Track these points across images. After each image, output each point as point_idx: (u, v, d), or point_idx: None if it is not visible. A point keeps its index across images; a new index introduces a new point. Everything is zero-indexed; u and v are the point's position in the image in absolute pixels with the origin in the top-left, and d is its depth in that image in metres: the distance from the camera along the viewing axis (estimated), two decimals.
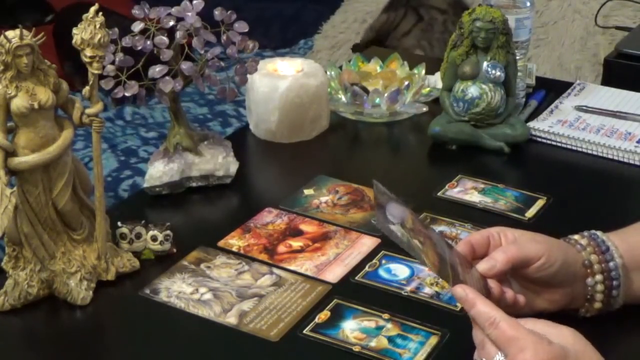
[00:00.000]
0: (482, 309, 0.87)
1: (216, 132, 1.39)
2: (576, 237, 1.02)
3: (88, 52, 1.02)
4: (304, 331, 1.01)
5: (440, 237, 0.98)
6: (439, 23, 2.72)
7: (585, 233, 1.02)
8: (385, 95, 1.52)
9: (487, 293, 0.93)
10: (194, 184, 1.30)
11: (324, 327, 1.02)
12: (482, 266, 0.94)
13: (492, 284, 0.94)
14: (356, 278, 1.11)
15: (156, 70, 1.20)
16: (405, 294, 1.08)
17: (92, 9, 1.02)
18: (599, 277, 0.99)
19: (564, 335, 0.85)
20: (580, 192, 1.34)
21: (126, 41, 1.17)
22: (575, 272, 0.98)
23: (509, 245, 0.96)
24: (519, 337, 0.84)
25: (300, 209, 1.26)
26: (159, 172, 1.27)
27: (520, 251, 0.95)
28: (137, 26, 1.18)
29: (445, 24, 2.70)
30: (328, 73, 1.55)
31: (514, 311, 0.96)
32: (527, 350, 0.83)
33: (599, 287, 0.99)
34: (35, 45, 0.99)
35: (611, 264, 0.99)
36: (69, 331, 1.04)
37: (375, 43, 2.68)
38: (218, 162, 1.30)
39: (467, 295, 0.88)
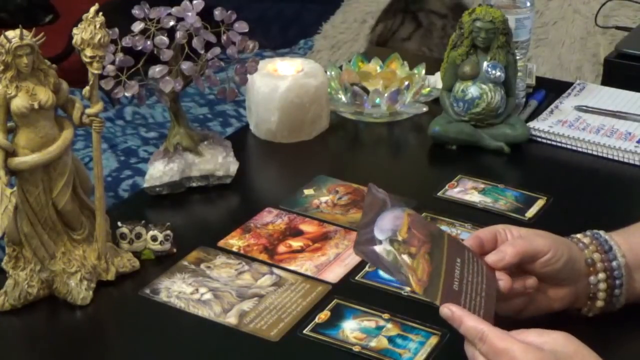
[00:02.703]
0: (470, 324, 0.88)
1: (216, 132, 1.39)
2: (579, 236, 1.02)
3: (88, 52, 1.02)
4: (304, 331, 1.01)
5: (443, 234, 0.98)
6: (438, 28, 2.71)
7: (588, 232, 1.02)
8: (385, 95, 1.52)
9: (494, 287, 0.93)
10: (194, 184, 1.30)
11: (324, 327, 1.02)
12: (492, 258, 0.95)
13: (502, 275, 0.95)
14: (356, 278, 1.11)
15: (156, 70, 1.20)
16: (405, 294, 1.08)
17: (92, 9, 1.02)
18: (601, 275, 0.99)
19: (555, 340, 0.85)
20: (580, 192, 1.34)
21: (126, 41, 1.17)
22: (579, 269, 0.99)
23: (518, 239, 0.97)
24: (508, 347, 0.84)
25: (300, 209, 1.26)
26: (159, 172, 1.27)
27: (528, 244, 0.96)
28: (137, 26, 1.19)
29: (444, 28, 2.69)
30: (328, 73, 1.55)
31: (527, 300, 0.97)
32: None
33: (602, 285, 0.99)
34: (35, 45, 0.99)
35: (614, 263, 0.99)
36: (69, 331, 1.04)
37: None
38: (218, 162, 1.30)
39: (453, 314, 0.89)
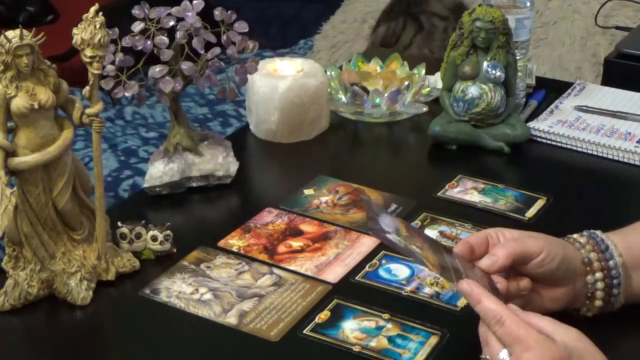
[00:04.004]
0: (488, 305, 0.87)
1: (216, 132, 1.39)
2: (575, 236, 1.02)
3: (88, 52, 1.02)
4: (304, 331, 1.01)
5: (436, 242, 0.98)
6: (440, 30, 2.71)
7: (585, 232, 1.02)
8: (385, 95, 1.52)
9: (493, 291, 0.93)
10: (194, 184, 1.30)
11: (324, 327, 1.02)
12: (484, 262, 0.95)
13: (497, 278, 0.94)
14: (356, 278, 1.11)
15: (156, 71, 1.20)
16: (405, 294, 1.08)
17: (92, 9, 1.02)
18: (599, 274, 0.99)
19: (569, 334, 0.85)
20: (580, 192, 1.34)
21: (126, 41, 1.18)
22: (575, 269, 0.98)
23: (509, 241, 0.97)
24: (524, 336, 0.84)
25: (300, 209, 1.26)
26: (159, 172, 1.27)
27: (520, 246, 0.96)
28: (137, 26, 1.19)
29: (446, 30, 2.69)
30: (328, 73, 1.55)
31: (523, 302, 0.97)
32: (532, 350, 0.83)
33: (600, 284, 0.99)
34: (35, 45, 0.99)
35: (611, 262, 0.99)
36: (69, 331, 1.04)
37: None
38: (218, 162, 1.30)
39: (472, 291, 0.89)
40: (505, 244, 0.96)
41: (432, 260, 0.92)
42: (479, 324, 0.89)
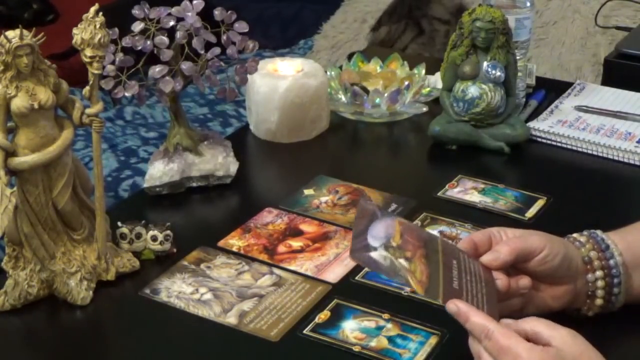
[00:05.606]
0: (476, 320, 0.88)
1: (216, 132, 1.39)
2: (575, 235, 1.02)
3: (88, 52, 1.02)
4: (304, 331, 1.01)
5: (435, 241, 0.98)
6: (441, 35, 2.71)
7: (585, 232, 1.03)
8: (385, 95, 1.52)
9: (492, 287, 0.93)
10: (194, 184, 1.30)
11: (324, 327, 1.02)
12: (487, 257, 0.95)
13: (499, 275, 0.95)
14: (356, 278, 1.11)
15: (156, 70, 1.20)
16: (405, 294, 1.08)
17: (92, 9, 1.02)
18: (599, 273, 0.99)
19: (563, 337, 0.85)
20: (580, 192, 1.34)
21: (126, 41, 1.18)
22: (576, 267, 0.99)
23: (512, 238, 0.97)
24: (512, 346, 0.84)
25: (300, 209, 1.26)
26: (159, 172, 1.27)
27: (523, 242, 0.96)
28: (137, 26, 1.19)
29: (447, 35, 2.69)
30: (328, 73, 1.55)
31: (524, 300, 0.97)
32: (520, 359, 0.83)
33: (600, 283, 0.99)
34: (35, 45, 0.99)
35: (611, 261, 0.99)
36: (69, 331, 1.04)
37: None
38: (218, 162, 1.30)
39: (459, 309, 0.89)
40: (508, 241, 0.97)
41: (419, 276, 0.91)
42: (469, 338, 0.90)
